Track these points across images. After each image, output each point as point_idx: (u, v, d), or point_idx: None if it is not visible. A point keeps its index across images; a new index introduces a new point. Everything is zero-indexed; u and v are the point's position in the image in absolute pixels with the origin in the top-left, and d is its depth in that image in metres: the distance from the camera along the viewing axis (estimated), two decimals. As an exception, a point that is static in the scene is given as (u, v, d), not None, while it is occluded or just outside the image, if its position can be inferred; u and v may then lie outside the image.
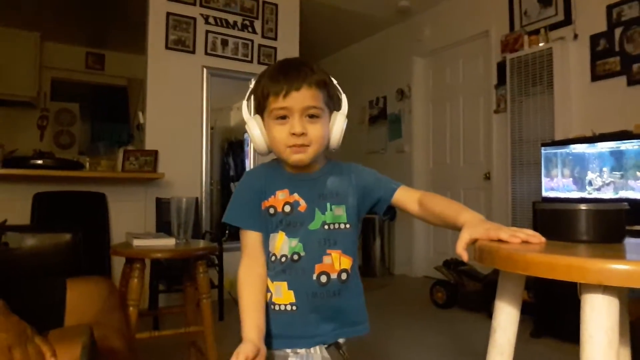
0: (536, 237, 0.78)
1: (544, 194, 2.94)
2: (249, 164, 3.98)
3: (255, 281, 0.95)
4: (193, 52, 3.71)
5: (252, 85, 1.00)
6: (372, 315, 1.05)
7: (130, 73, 5.81)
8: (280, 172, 1.01)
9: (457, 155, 4.45)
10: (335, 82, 1.01)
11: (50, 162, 3.12)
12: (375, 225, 4.77)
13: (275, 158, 1.04)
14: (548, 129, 3.25)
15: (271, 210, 0.97)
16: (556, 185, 2.87)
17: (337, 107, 1.01)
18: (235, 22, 3.88)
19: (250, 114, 1.00)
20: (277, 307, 0.97)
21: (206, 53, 3.76)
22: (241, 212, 0.99)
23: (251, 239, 0.98)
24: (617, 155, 2.59)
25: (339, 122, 0.99)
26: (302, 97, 0.91)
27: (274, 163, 1.04)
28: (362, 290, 1.03)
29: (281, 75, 0.93)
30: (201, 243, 2.22)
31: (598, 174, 2.66)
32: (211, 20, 3.78)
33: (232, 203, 1.00)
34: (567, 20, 3.37)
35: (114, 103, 6.18)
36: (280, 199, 0.97)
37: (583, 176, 2.73)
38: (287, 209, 0.97)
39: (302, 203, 0.97)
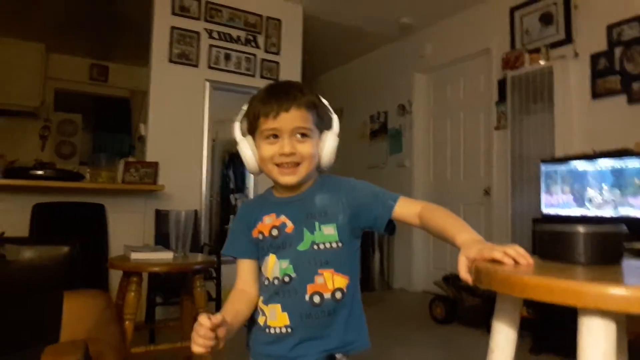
0: (525, 258, 0.76)
1: (544, 210, 2.93)
2: (249, 176, 3.98)
3: (239, 295, 1.01)
4: (196, 65, 3.74)
5: (244, 107, 1.02)
6: (370, 330, 1.04)
7: (133, 85, 5.85)
8: (270, 198, 1.04)
9: (458, 170, 4.45)
10: (325, 102, 1.02)
11: (51, 173, 3.12)
12: (374, 239, 4.75)
13: (269, 187, 1.07)
14: (548, 146, 3.25)
15: (260, 236, 0.99)
16: (556, 202, 2.87)
17: (328, 126, 1.01)
18: (238, 37, 3.92)
19: (242, 135, 1.01)
20: (272, 331, 0.96)
21: (209, 67, 3.79)
22: (234, 243, 1.04)
23: (244, 267, 1.03)
24: (617, 173, 2.59)
25: (329, 141, 1.00)
26: (292, 118, 0.93)
27: (266, 192, 1.07)
28: (361, 307, 1.02)
29: (271, 98, 0.95)
30: (199, 257, 2.21)
31: (598, 191, 2.66)
32: (215, 34, 3.82)
33: (228, 236, 1.07)
34: (568, 39, 3.40)
35: (116, 114, 6.22)
36: (267, 223, 0.99)
37: (583, 193, 2.73)
38: (275, 232, 0.98)
39: (289, 224, 0.98)
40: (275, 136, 0.94)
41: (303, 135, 0.95)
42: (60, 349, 1.15)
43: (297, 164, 0.95)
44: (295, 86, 0.98)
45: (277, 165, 0.95)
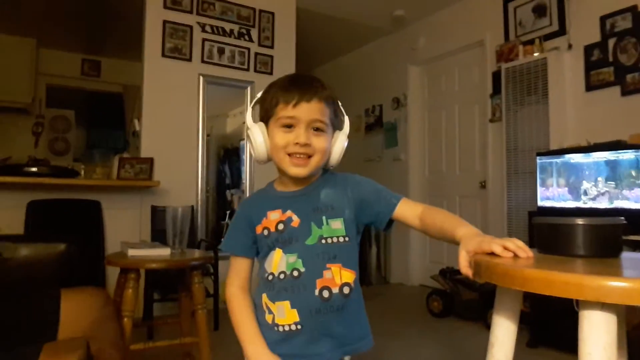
0: (524, 251, 0.77)
1: (540, 203, 2.95)
2: (245, 171, 3.97)
3: (250, 303, 1.01)
4: (189, 59, 3.71)
5: (259, 94, 1.01)
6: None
7: (126, 80, 5.80)
8: (272, 193, 1.03)
9: (453, 163, 4.46)
10: (339, 102, 1.02)
11: (45, 170, 3.10)
12: (371, 234, 4.77)
13: (270, 182, 1.06)
14: (543, 138, 3.26)
15: (265, 232, 0.98)
16: (551, 194, 2.88)
17: (340, 126, 1.02)
18: (231, 30, 3.89)
19: (254, 121, 1.00)
20: (280, 329, 0.95)
21: (202, 61, 3.76)
22: (234, 240, 1.03)
23: (243, 265, 1.03)
24: (612, 165, 2.60)
25: (340, 141, 1.00)
26: (311, 109, 0.93)
27: (267, 187, 1.06)
28: (363, 303, 1.03)
29: (293, 86, 0.94)
30: (196, 253, 2.20)
31: (593, 183, 2.67)
32: (208, 28, 3.78)
33: (228, 232, 1.05)
34: (562, 31, 3.40)
35: (109, 110, 6.17)
36: (273, 219, 0.98)
37: (578, 186, 2.74)
38: (281, 227, 0.97)
39: (295, 218, 0.97)
40: (291, 125, 0.94)
41: (318, 129, 0.95)
42: (60, 346, 1.14)
43: (309, 156, 0.94)
44: (317, 79, 0.98)
45: (289, 155, 0.94)
